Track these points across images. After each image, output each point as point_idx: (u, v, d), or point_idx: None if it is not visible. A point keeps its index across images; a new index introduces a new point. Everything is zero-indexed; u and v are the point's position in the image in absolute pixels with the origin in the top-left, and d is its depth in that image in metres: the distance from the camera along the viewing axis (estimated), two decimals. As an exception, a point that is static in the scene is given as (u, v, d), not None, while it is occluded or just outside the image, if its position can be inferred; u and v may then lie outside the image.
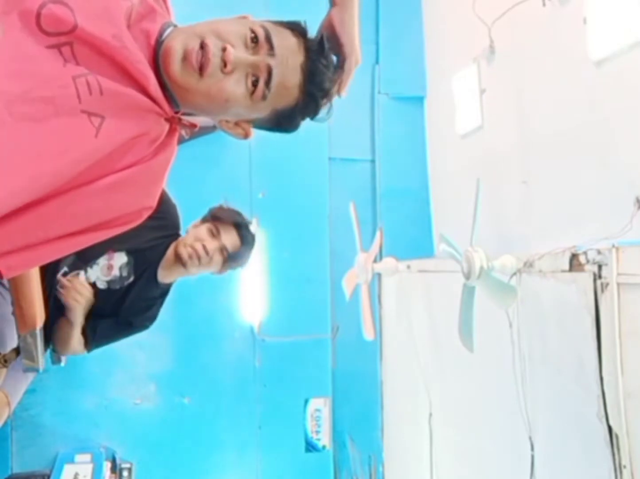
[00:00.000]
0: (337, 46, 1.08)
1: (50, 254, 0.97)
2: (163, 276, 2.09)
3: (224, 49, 0.93)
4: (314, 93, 1.02)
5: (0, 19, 0.82)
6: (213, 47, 0.93)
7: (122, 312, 2.03)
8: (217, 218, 2.10)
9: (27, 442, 3.66)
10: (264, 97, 0.98)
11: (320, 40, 1.03)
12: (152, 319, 2.11)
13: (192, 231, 2.09)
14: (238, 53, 0.95)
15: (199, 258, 2.02)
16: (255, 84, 0.97)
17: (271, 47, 0.97)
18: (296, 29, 1.02)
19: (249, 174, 4.06)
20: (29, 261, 0.96)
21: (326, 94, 1.04)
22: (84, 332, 1.99)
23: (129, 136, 0.92)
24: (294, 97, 1.01)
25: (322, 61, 1.02)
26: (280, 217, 4.08)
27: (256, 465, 4.07)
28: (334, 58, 1.07)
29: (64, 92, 0.85)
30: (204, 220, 2.11)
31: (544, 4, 2.77)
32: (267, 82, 0.97)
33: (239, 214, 2.15)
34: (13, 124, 0.82)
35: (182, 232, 2.15)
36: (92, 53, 0.87)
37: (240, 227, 2.09)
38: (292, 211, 4.11)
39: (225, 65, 0.93)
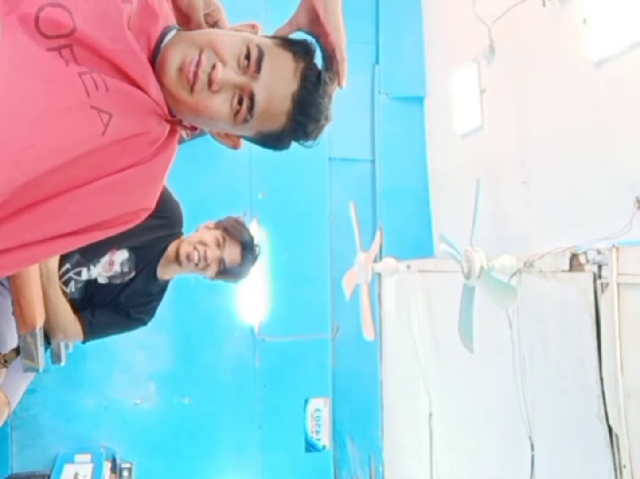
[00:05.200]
0: (324, 35, 1.01)
1: (44, 254, 0.96)
2: (162, 273, 2.11)
3: (213, 66, 0.92)
4: (303, 122, 0.98)
5: (0, 19, 0.82)
6: (205, 62, 0.92)
7: (120, 304, 2.04)
8: (228, 231, 2.11)
9: (27, 442, 3.66)
10: (245, 121, 0.97)
11: (319, 71, 0.99)
12: (150, 314, 2.12)
13: (200, 232, 2.10)
14: (226, 73, 0.93)
15: (197, 261, 2.03)
16: (240, 104, 0.95)
17: (258, 69, 0.94)
18: (298, 52, 0.98)
19: (249, 174, 4.07)
20: (22, 261, 0.95)
21: (316, 123, 1.00)
22: (81, 319, 2.00)
23: (131, 135, 0.92)
24: (280, 123, 0.98)
25: (317, 92, 0.98)
26: (280, 217, 4.08)
27: (256, 465, 4.08)
28: (329, 82, 1.00)
29: (72, 87, 0.85)
30: (217, 226, 2.12)
31: (544, 4, 2.77)
32: (250, 107, 0.95)
33: (250, 234, 2.17)
34: (24, 118, 0.81)
35: (184, 229, 2.15)
36: (91, 55, 0.87)
37: (246, 247, 2.11)
38: (292, 211, 4.12)
39: (211, 83, 0.92)
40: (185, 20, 1.05)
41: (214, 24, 1.06)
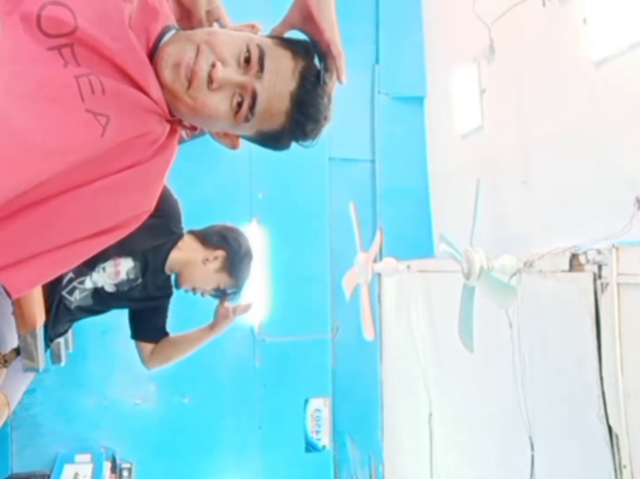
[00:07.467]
0: (318, 32, 1.00)
1: (53, 267, 0.96)
2: (167, 269, 2.13)
3: (213, 65, 0.92)
4: (301, 121, 0.98)
5: (1, 18, 0.82)
6: (203, 61, 0.92)
7: (151, 303, 2.17)
8: (231, 272, 2.19)
9: (27, 442, 3.66)
10: (246, 120, 0.97)
11: (318, 71, 0.98)
12: (172, 289, 2.23)
13: (212, 271, 2.17)
14: (226, 72, 0.93)
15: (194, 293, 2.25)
16: (240, 104, 0.95)
17: (261, 69, 0.95)
18: (298, 51, 0.98)
19: (249, 174, 4.06)
20: (35, 277, 0.95)
21: (315, 123, 1.00)
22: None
23: (131, 136, 0.92)
24: (280, 122, 0.98)
25: (316, 91, 0.97)
26: (280, 217, 4.08)
27: (256, 465, 4.07)
28: (325, 78, 0.99)
29: (67, 91, 0.85)
30: (223, 267, 2.17)
31: (544, 4, 2.77)
32: (252, 106, 0.95)
33: (250, 264, 2.25)
34: (23, 121, 0.81)
35: (184, 225, 2.16)
36: (92, 55, 0.87)
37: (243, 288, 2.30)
38: (292, 211, 4.11)
39: (211, 82, 0.92)
40: (187, 16, 1.05)
41: (215, 21, 1.06)
